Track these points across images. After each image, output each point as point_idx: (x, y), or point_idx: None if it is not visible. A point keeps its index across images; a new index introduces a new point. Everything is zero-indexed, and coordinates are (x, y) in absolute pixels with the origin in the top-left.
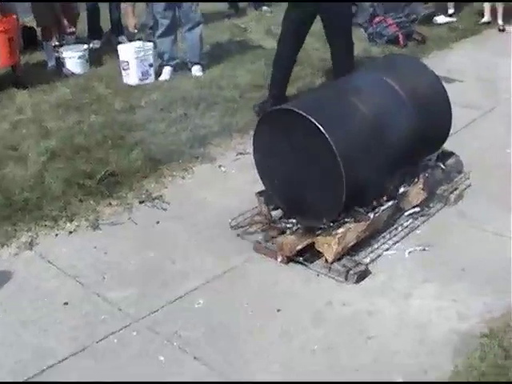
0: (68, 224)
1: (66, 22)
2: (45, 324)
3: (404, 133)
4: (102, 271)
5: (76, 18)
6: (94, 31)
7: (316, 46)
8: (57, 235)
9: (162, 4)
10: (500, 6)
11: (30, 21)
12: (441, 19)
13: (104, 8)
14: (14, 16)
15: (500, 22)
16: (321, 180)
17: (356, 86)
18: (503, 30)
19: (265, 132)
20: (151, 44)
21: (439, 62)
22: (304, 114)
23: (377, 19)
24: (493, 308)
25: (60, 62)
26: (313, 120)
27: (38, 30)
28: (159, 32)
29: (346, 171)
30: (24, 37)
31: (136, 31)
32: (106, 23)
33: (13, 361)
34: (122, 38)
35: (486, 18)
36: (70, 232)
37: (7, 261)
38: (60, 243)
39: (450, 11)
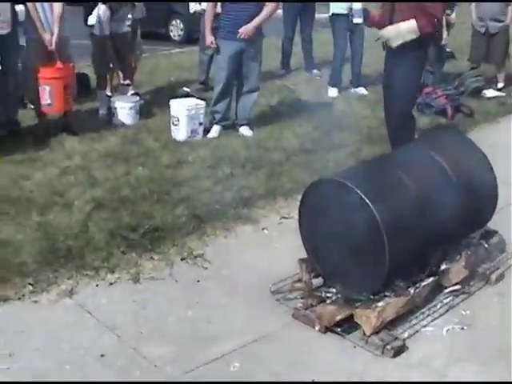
0: (109, 275)
1: (121, 73)
2: (81, 374)
3: (448, 210)
4: (139, 326)
5: (133, 71)
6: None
7: (364, 113)
8: (97, 285)
9: (227, 60)
10: None
11: (83, 67)
12: (490, 93)
13: None
14: (72, 64)
15: None
16: (364, 252)
17: (404, 160)
18: None
19: (311, 199)
20: (203, 103)
21: (486, 137)
22: (351, 186)
23: (426, 90)
24: None
25: (111, 112)
26: (359, 192)
27: (93, 77)
28: (218, 91)
29: (389, 245)
30: (78, 83)
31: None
32: None
33: None
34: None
35: None
36: (111, 283)
37: (47, 307)
38: (100, 294)
39: (500, 85)
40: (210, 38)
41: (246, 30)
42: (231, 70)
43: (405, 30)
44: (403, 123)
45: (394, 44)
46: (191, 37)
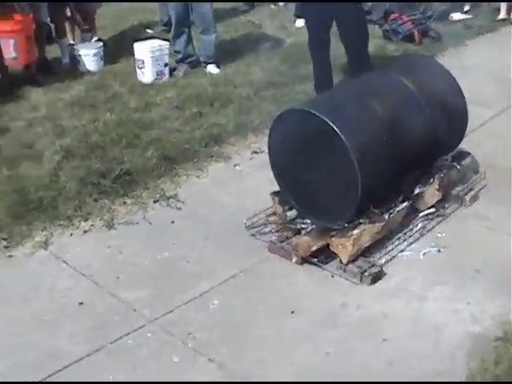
0: (83, 223)
1: (79, 18)
2: (60, 324)
3: (419, 133)
4: (116, 271)
5: (92, 15)
6: None
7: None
8: (71, 235)
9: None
10: None
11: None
12: (456, 16)
13: None
14: (31, 14)
15: None
16: (336, 181)
17: (371, 86)
18: None
19: (280, 132)
20: (167, 43)
21: (454, 60)
22: (318, 115)
23: (392, 16)
24: (506, 310)
25: (75, 60)
26: (327, 121)
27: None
28: (173, 31)
29: (360, 172)
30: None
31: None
32: None
33: (27, 361)
34: None
35: (502, 15)
36: (85, 231)
37: (22, 260)
38: (75, 243)
39: (466, 8)
40: None
41: None
42: (179, 7)
43: None
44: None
45: None
46: None
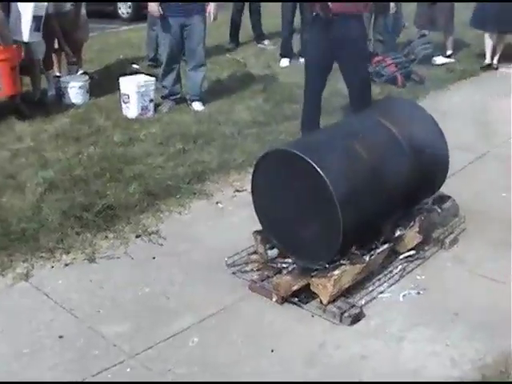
0: (64, 256)
1: (68, 50)
2: (39, 357)
3: (401, 176)
4: (97, 305)
5: (80, 48)
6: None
7: None
8: (53, 267)
9: (169, 36)
10: (499, 48)
11: None
12: (439, 60)
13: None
14: (16, 45)
15: (495, 61)
16: (318, 221)
17: (354, 128)
18: (496, 69)
19: (263, 172)
20: (153, 79)
21: (436, 104)
22: (302, 156)
23: (376, 58)
24: (485, 354)
25: (60, 92)
26: (311, 162)
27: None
28: (163, 67)
29: (342, 213)
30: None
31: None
32: None
33: None
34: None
35: (488, 61)
36: (66, 264)
37: (2, 291)
38: (56, 275)
39: (449, 52)
40: (155, 8)
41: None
42: (173, 45)
43: None
44: (369, 84)
45: None
46: (140, 13)
